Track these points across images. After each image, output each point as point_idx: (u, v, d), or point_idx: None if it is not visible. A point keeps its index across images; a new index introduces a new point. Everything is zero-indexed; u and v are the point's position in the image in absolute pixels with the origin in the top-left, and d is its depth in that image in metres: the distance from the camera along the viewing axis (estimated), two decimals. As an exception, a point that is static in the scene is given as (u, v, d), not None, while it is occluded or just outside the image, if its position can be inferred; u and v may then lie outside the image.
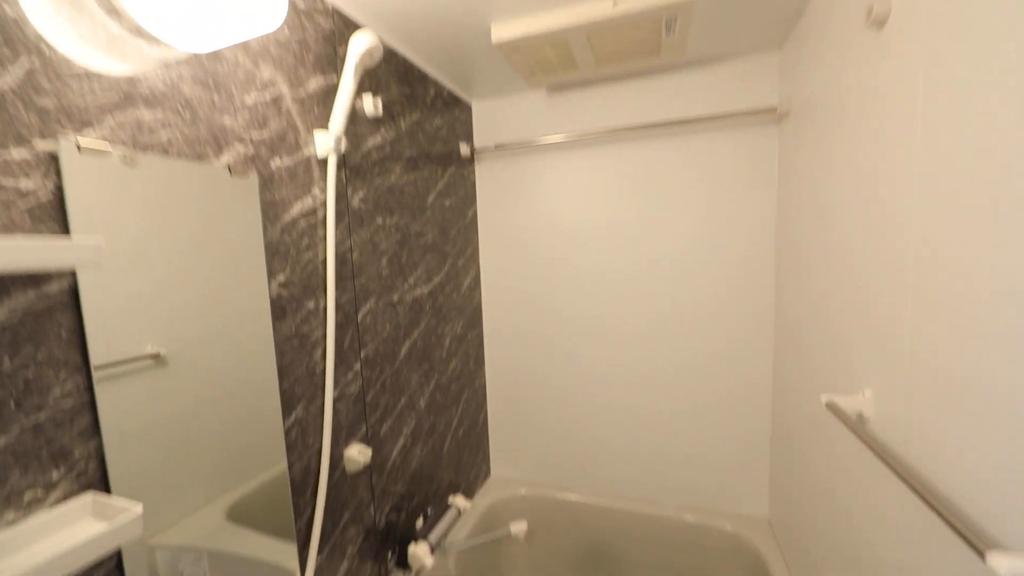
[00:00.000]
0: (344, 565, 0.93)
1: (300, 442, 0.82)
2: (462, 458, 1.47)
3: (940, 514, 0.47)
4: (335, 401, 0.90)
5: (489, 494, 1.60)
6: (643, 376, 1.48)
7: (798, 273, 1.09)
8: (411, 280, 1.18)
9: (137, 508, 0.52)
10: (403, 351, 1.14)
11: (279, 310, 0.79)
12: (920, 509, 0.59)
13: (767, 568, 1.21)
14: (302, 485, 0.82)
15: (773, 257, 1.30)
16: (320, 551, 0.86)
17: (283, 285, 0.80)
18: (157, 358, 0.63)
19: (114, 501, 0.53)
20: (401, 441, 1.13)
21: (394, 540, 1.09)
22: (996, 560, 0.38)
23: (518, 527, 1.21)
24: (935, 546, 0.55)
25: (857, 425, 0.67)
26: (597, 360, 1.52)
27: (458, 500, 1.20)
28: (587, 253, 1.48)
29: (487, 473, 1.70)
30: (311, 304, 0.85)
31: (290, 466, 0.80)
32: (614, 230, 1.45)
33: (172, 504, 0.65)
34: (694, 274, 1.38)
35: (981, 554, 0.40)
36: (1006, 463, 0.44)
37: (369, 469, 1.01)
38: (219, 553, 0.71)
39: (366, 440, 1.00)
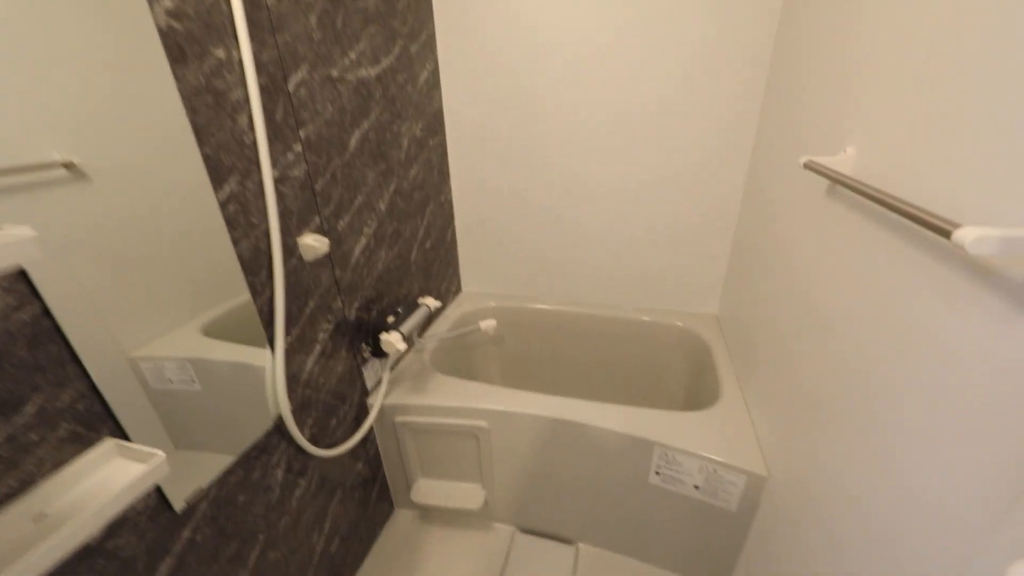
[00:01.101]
0: (317, 348, 0.96)
1: (243, 220, 0.75)
2: (431, 270, 1.47)
3: (909, 215, 0.45)
4: (277, 183, 0.81)
5: (461, 306, 1.66)
6: (613, 191, 1.42)
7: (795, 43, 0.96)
8: (352, 55, 0.98)
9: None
10: (353, 142, 1.02)
11: (175, 49, 0.63)
12: (891, 247, 0.59)
13: (711, 354, 1.36)
14: (254, 264, 0.78)
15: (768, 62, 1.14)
16: (288, 333, 0.87)
17: (174, 15, 0.62)
18: (72, 168, 0.54)
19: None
20: (363, 241, 1.09)
21: (367, 333, 1.12)
22: (961, 233, 0.37)
23: (487, 323, 1.27)
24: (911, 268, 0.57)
25: (835, 173, 0.64)
26: (568, 175, 1.44)
27: (428, 300, 1.23)
28: (562, 51, 1.27)
29: (458, 289, 1.74)
30: (220, 52, 0.69)
31: (235, 242, 0.74)
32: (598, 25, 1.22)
33: (145, 322, 0.64)
34: (673, 86, 1.22)
35: (947, 233, 0.39)
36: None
37: (330, 261, 0.97)
38: (200, 360, 0.72)
39: (322, 232, 0.94)
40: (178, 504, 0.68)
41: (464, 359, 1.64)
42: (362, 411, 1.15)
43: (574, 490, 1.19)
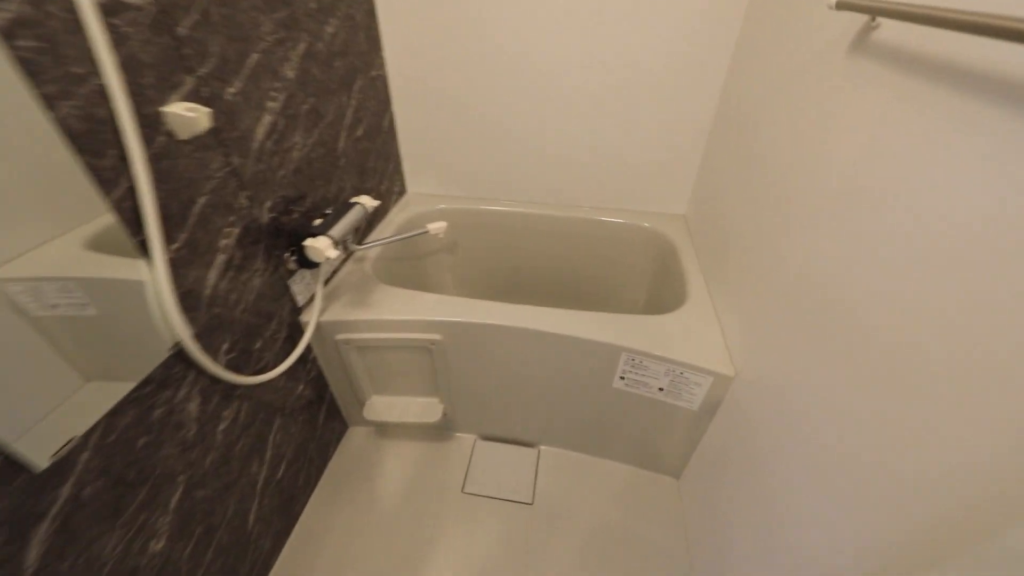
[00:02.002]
0: (220, 258, 0.76)
1: (53, 66, 0.50)
2: (366, 164, 1.23)
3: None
4: (106, 12, 0.54)
5: (406, 209, 1.46)
6: (579, 81, 1.19)
7: None
8: None
9: None
10: (230, -33, 0.72)
11: None
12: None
13: (677, 255, 1.28)
14: (92, 140, 0.54)
15: None
16: (172, 238, 0.66)
17: None
18: None
19: None
20: (268, 119, 0.84)
21: (289, 239, 0.92)
22: None
23: (436, 226, 1.10)
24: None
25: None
26: (526, 56, 1.18)
27: (363, 199, 1.02)
28: None
29: (402, 189, 1.52)
30: None
31: (48, 103, 0.50)
32: None
33: None
34: None
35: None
36: None
37: (221, 143, 0.73)
38: (89, 280, 0.57)
39: (201, 101, 0.69)
40: (42, 461, 0.52)
41: (412, 269, 1.48)
42: (295, 330, 0.99)
43: (535, 398, 1.15)
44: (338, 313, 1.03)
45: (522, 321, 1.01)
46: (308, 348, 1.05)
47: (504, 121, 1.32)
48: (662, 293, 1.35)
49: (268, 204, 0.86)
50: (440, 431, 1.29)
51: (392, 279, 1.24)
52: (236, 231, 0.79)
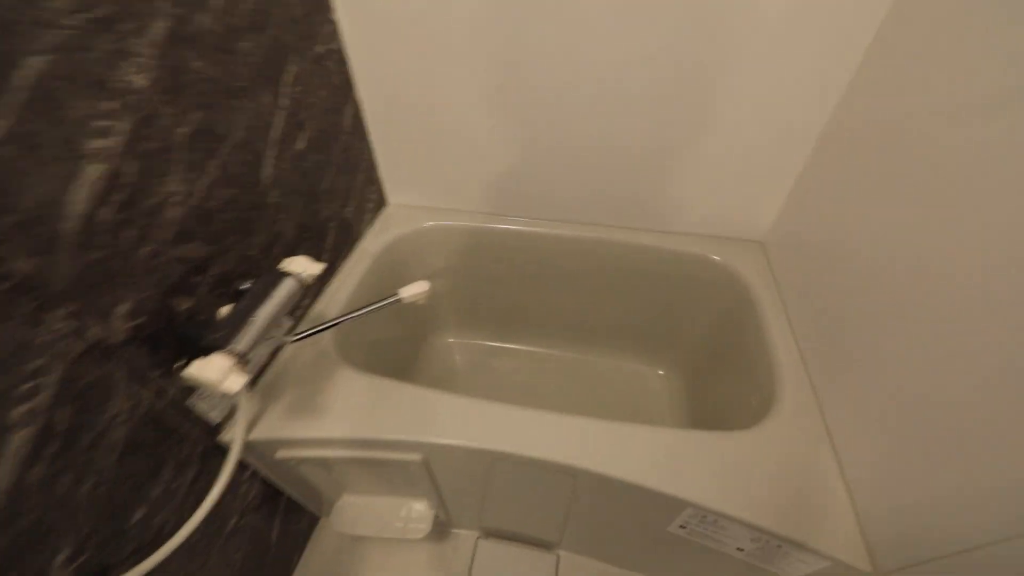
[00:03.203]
0: (18, 438, 0.44)
1: None
2: (318, 186, 0.87)
3: None
4: None
5: (388, 230, 1.10)
6: (620, 57, 0.77)
7: None
8: None
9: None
10: None
11: None
12: None
13: (754, 307, 0.91)
14: None
15: None
16: None
17: None
18: None
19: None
20: (94, 170, 0.48)
21: (180, 344, 0.60)
22: None
23: (413, 289, 0.75)
24: None
25: None
26: (546, 22, 0.76)
27: (296, 265, 0.68)
28: None
29: (380, 202, 1.15)
30: None
31: None
32: None
33: None
34: None
35: None
36: None
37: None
38: None
39: None
40: None
41: (396, 316, 1.15)
42: (211, 458, 0.69)
43: (559, 515, 0.86)
44: (276, 426, 0.72)
45: (537, 447, 0.68)
46: (241, 461, 0.76)
47: (520, 115, 0.92)
48: (728, 359, 0.99)
49: (125, 308, 0.53)
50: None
51: (364, 348, 0.92)
52: (51, 379, 0.46)
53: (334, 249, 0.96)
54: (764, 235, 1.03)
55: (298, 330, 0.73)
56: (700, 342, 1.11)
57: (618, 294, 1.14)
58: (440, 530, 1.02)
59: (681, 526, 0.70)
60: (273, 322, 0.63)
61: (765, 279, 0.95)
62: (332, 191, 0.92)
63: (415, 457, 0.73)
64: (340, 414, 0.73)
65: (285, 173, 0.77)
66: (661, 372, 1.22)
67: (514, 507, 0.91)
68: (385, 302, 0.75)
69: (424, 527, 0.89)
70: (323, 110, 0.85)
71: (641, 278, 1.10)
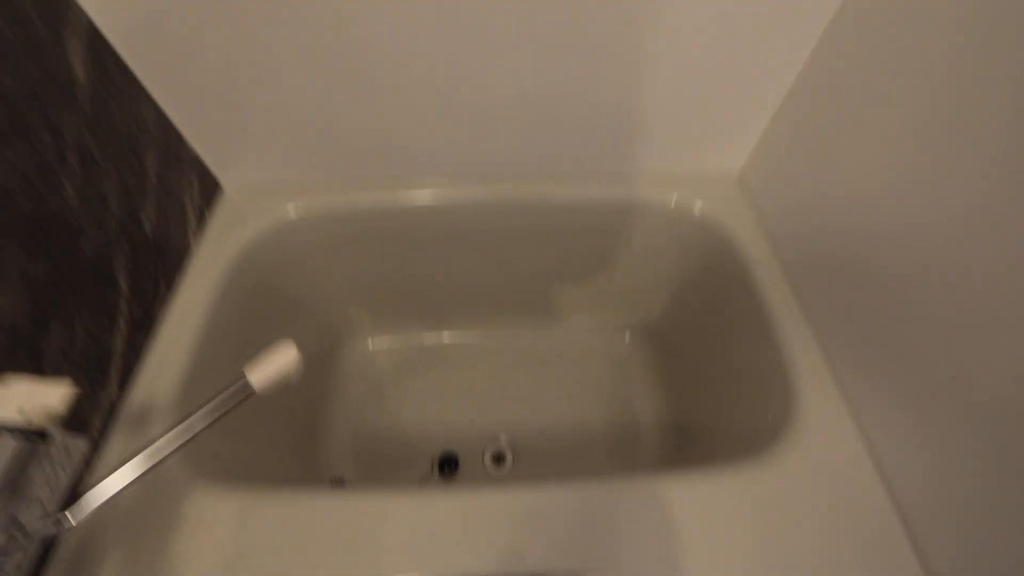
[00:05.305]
0: None
1: None
2: (55, 191, 0.49)
3: None
4: None
5: (236, 230, 0.74)
6: None
7: None
8: None
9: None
10: None
11: None
12: None
13: (751, 278, 0.71)
14: None
15: None
16: None
17: None
18: None
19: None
20: None
21: None
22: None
23: (274, 366, 0.45)
24: None
25: None
26: None
27: (11, 397, 0.34)
28: None
29: (209, 189, 0.76)
30: None
31: None
32: None
33: None
34: None
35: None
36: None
37: None
38: None
39: None
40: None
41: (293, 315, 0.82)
42: None
43: None
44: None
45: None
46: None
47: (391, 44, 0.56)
48: (715, 325, 0.81)
49: None
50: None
51: (235, 433, 0.62)
52: None
53: (134, 295, 0.60)
54: (743, 167, 0.80)
55: (82, 493, 0.41)
56: (672, 304, 0.93)
57: (562, 258, 0.90)
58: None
59: None
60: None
61: (748, 228, 0.74)
62: (90, 197, 0.53)
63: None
64: None
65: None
66: (628, 340, 1.04)
67: None
68: (226, 406, 0.44)
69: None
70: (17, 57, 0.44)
71: (587, 237, 0.85)
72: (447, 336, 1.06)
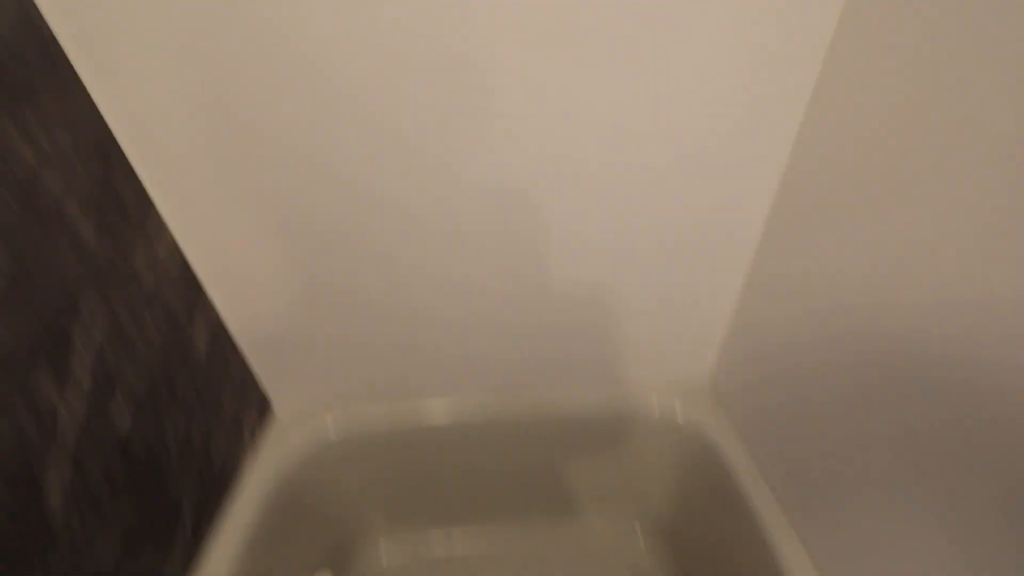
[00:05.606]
0: None
1: None
2: (164, 438, 0.61)
3: None
4: None
5: (277, 446, 0.84)
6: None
7: None
8: None
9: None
10: None
11: None
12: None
13: (735, 483, 0.79)
14: None
15: None
16: None
17: None
18: None
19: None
20: None
21: None
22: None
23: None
24: None
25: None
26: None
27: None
28: None
29: (265, 409, 0.90)
30: None
31: None
32: None
33: None
34: None
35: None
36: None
37: None
38: None
39: None
40: None
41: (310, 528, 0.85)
42: None
43: None
44: None
45: None
46: None
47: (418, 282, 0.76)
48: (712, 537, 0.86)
49: None
50: None
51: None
52: None
53: (194, 533, 0.67)
54: (711, 375, 0.94)
55: None
56: (678, 498, 0.98)
57: (564, 459, 0.99)
58: None
59: None
60: None
61: (728, 434, 0.85)
62: (184, 438, 0.66)
63: None
64: None
65: (90, 475, 0.51)
66: (640, 537, 1.05)
67: None
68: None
69: None
70: (165, 339, 0.62)
71: (587, 443, 0.95)
72: (457, 531, 1.07)
